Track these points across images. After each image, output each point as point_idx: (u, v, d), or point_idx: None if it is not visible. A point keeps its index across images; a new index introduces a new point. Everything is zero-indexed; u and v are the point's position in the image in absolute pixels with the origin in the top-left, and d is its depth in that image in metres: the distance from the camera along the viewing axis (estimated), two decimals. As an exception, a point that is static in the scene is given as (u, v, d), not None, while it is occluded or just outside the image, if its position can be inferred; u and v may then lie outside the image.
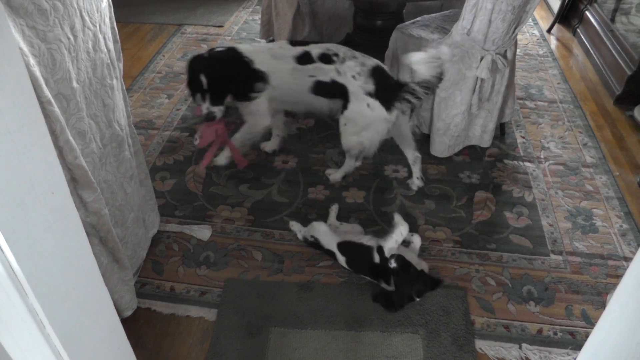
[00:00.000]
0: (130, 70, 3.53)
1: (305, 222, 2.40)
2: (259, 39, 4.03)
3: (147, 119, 3.09)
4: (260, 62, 2.45)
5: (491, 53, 2.46)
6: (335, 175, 2.67)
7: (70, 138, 1.45)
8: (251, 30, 4.20)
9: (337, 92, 2.43)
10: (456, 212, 2.51)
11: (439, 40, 2.56)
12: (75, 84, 1.51)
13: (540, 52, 3.94)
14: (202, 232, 2.36)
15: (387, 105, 2.35)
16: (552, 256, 2.31)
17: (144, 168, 2.16)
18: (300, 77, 2.45)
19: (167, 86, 3.43)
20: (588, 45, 3.89)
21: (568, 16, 4.35)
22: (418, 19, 2.86)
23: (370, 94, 2.35)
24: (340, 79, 2.40)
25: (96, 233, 1.72)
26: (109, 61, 1.73)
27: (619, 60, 3.39)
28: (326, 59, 2.43)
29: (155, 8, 4.60)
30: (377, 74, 2.38)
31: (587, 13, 4.03)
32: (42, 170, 0.99)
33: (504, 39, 2.46)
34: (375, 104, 2.35)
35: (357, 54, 2.45)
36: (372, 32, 3.12)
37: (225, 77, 2.43)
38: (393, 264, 1.95)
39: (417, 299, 2.02)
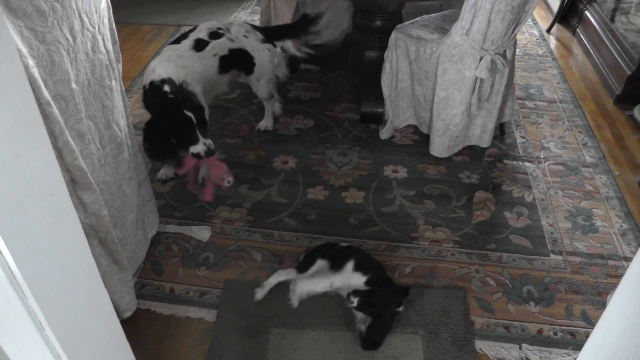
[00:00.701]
0: (129, 71, 3.53)
1: (305, 223, 2.41)
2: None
3: (146, 120, 3.07)
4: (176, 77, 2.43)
5: (490, 53, 2.46)
6: (266, 123, 3.01)
7: (70, 139, 1.45)
8: (250, 31, 4.19)
9: (239, 58, 2.72)
10: (456, 212, 2.51)
11: (438, 40, 2.56)
12: (74, 85, 1.51)
13: (540, 52, 3.94)
14: (202, 233, 2.36)
15: (273, 44, 2.83)
16: (552, 256, 2.30)
17: (143, 169, 2.16)
18: (207, 62, 2.61)
19: (166, 87, 3.42)
20: (587, 45, 3.89)
21: (567, 16, 4.35)
22: (417, 19, 2.86)
23: (263, 41, 2.76)
24: (236, 44, 2.69)
25: (96, 234, 1.72)
26: (107, 62, 1.73)
27: (619, 59, 3.39)
28: (216, 35, 2.66)
29: (154, 9, 4.60)
30: (255, 27, 2.81)
31: (587, 13, 4.03)
32: (41, 171, 0.99)
33: (503, 39, 2.46)
34: (270, 46, 2.79)
35: (228, 23, 2.77)
36: (371, 33, 3.12)
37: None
38: (354, 303, 1.91)
39: (400, 309, 1.99)
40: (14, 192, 0.94)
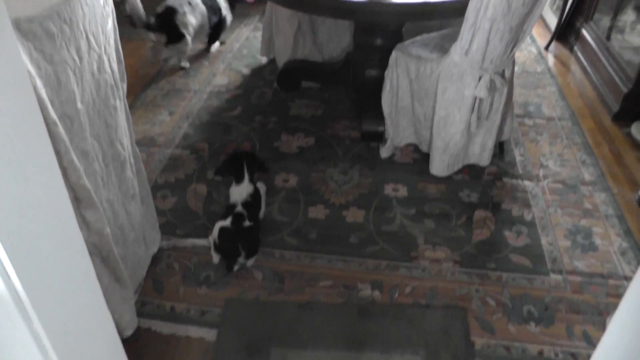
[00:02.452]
0: (132, 87, 3.55)
1: (305, 242, 2.42)
2: (260, 56, 4.05)
3: (148, 136, 3.10)
4: None
5: (489, 72, 2.48)
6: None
7: (74, 158, 1.47)
8: (252, 47, 4.23)
9: None
10: (456, 231, 2.52)
11: (438, 59, 2.59)
12: (79, 105, 1.53)
13: (538, 69, 3.97)
14: (206, 240, 2.39)
15: None
16: (552, 275, 2.31)
17: (145, 186, 2.18)
18: None
19: (169, 103, 3.45)
20: (585, 63, 3.92)
21: (565, 33, 4.39)
22: (417, 38, 2.88)
23: None
24: None
25: (98, 253, 1.73)
26: (112, 82, 1.75)
27: (615, 77, 3.42)
28: None
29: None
30: None
31: (584, 30, 4.07)
32: (49, 195, 1.00)
33: (502, 58, 2.48)
34: None
35: None
36: (372, 51, 3.14)
37: None
38: None
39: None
40: (24, 216, 0.95)
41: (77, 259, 1.16)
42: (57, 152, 1.38)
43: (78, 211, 1.57)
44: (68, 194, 1.18)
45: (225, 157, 2.67)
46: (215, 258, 2.31)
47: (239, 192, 2.45)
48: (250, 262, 2.30)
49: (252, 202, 2.43)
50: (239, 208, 2.36)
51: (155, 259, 2.32)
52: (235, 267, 2.26)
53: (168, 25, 3.68)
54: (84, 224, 1.61)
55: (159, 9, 3.68)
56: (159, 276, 2.26)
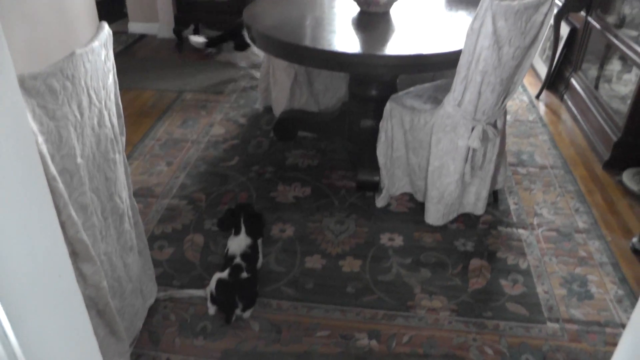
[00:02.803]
0: (130, 138, 3.59)
1: (302, 292, 2.42)
2: (257, 106, 4.12)
3: (146, 187, 3.13)
4: None
5: (482, 123, 2.53)
6: None
7: (73, 213, 1.48)
8: (249, 97, 4.30)
9: None
10: (452, 280, 2.52)
11: (432, 110, 2.64)
12: (79, 160, 1.55)
13: (530, 118, 4.04)
14: (203, 291, 2.38)
15: None
16: (549, 324, 2.31)
17: (143, 238, 2.19)
18: None
19: (166, 153, 3.49)
20: (575, 111, 4.00)
21: (555, 82, 4.48)
22: (411, 89, 2.94)
23: None
24: None
25: (94, 305, 1.73)
26: (112, 136, 1.78)
27: (605, 126, 3.48)
28: None
29: (156, 74, 4.72)
30: None
31: (573, 80, 4.16)
32: (51, 253, 1.02)
33: (494, 109, 2.54)
34: None
35: None
36: (367, 101, 3.21)
37: None
38: None
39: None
40: (25, 275, 0.96)
41: (74, 313, 1.16)
42: (56, 207, 1.40)
43: (75, 264, 1.58)
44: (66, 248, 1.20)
45: (225, 210, 2.70)
46: (212, 310, 2.30)
47: (238, 243, 2.47)
48: (247, 314, 2.30)
49: (251, 254, 2.45)
50: (238, 260, 2.37)
51: (152, 311, 2.31)
52: (233, 319, 2.26)
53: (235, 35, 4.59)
54: (81, 277, 1.62)
55: None
56: (155, 328, 2.25)
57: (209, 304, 2.30)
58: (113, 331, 1.84)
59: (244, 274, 2.31)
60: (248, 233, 2.51)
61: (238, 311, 2.26)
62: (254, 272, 2.41)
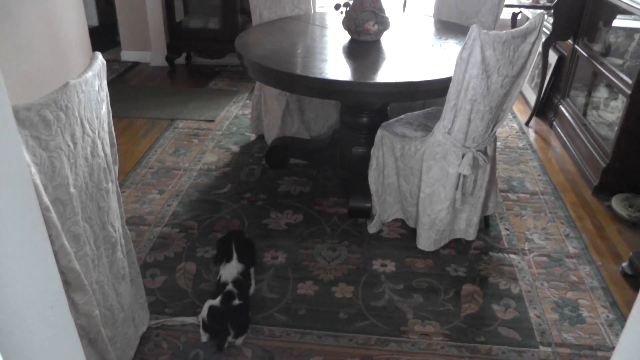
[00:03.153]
0: (123, 166, 3.60)
1: (295, 319, 2.42)
2: (249, 134, 4.15)
3: (138, 215, 3.13)
4: None
5: (472, 150, 2.56)
6: None
7: (65, 242, 1.49)
8: (241, 125, 4.32)
9: None
10: (444, 305, 2.53)
11: (422, 137, 2.67)
12: (72, 189, 1.56)
13: (520, 145, 4.08)
14: (195, 318, 2.38)
15: None
16: (541, 348, 2.32)
17: (135, 267, 2.19)
18: None
19: (158, 181, 3.50)
20: (564, 138, 4.05)
21: (544, 110, 4.54)
22: (402, 116, 2.98)
23: None
24: None
25: (86, 335, 1.73)
26: (105, 165, 1.79)
27: (593, 152, 3.53)
28: None
29: (148, 102, 4.75)
30: None
31: (561, 107, 4.22)
32: (44, 285, 1.02)
33: (484, 136, 2.57)
34: None
35: None
36: (358, 129, 3.24)
37: None
38: None
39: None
40: (18, 306, 0.97)
41: (67, 344, 1.16)
42: (49, 237, 1.40)
43: (67, 294, 1.58)
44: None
45: (217, 240, 2.73)
46: (204, 337, 2.30)
47: (229, 270, 2.47)
48: (239, 341, 2.29)
49: (243, 281, 2.45)
50: (230, 286, 2.37)
51: (144, 339, 2.30)
52: (225, 346, 2.26)
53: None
54: (73, 306, 1.62)
55: None
56: (148, 356, 2.24)
57: (202, 331, 2.30)
58: (105, 360, 1.84)
59: (236, 301, 2.31)
60: (240, 260, 2.52)
61: (230, 338, 2.25)
62: (246, 298, 2.41)
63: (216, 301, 2.30)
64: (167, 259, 2.79)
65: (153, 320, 2.37)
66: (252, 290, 2.54)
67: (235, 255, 2.52)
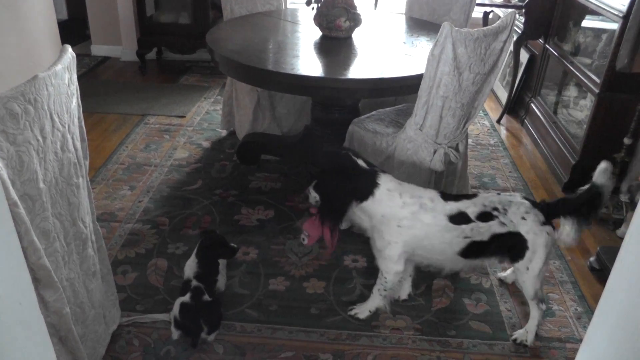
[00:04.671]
0: (93, 162, 3.55)
1: (266, 314, 2.42)
2: (220, 129, 4.12)
3: (109, 211, 3.10)
4: None
5: (444, 147, 2.58)
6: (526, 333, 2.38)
7: (35, 238, 1.46)
8: (213, 121, 4.30)
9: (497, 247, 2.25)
10: (416, 300, 2.55)
11: (394, 134, 2.68)
12: (41, 185, 1.54)
13: (492, 142, 4.13)
14: (166, 315, 2.37)
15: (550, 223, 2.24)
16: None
17: (106, 263, 2.16)
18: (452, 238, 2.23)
19: (129, 177, 3.46)
20: (535, 135, 4.11)
21: (516, 107, 4.60)
22: (373, 113, 2.99)
23: (544, 223, 2.21)
24: (505, 229, 2.21)
25: (56, 333, 1.70)
26: (75, 160, 1.77)
27: (563, 149, 3.58)
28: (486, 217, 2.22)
29: (119, 98, 4.69)
30: (534, 203, 2.27)
31: (533, 105, 4.28)
32: (11, 281, 1.00)
33: (455, 133, 2.59)
34: (550, 229, 2.22)
35: (506, 196, 2.29)
36: (329, 125, 3.24)
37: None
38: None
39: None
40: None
41: (36, 341, 1.14)
42: (18, 233, 1.38)
43: (37, 291, 1.56)
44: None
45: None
46: (175, 334, 2.28)
47: (190, 266, 2.45)
48: (212, 337, 2.28)
49: (203, 273, 2.41)
50: (194, 282, 2.35)
51: (115, 336, 2.28)
52: (198, 342, 2.25)
53: None
54: (42, 304, 1.59)
55: None
56: (119, 354, 2.22)
57: (173, 328, 2.28)
58: (76, 358, 1.81)
59: (206, 297, 2.30)
60: (196, 254, 2.47)
61: (203, 334, 2.24)
62: (218, 294, 2.40)
63: (186, 297, 2.28)
64: (138, 256, 2.76)
65: (124, 318, 2.35)
66: (223, 286, 2.53)
67: (195, 251, 2.49)
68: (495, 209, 2.21)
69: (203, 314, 2.24)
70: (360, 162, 2.27)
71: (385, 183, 2.24)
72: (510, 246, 2.23)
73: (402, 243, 2.24)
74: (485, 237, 2.20)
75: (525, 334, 2.34)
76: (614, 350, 1.14)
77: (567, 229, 2.20)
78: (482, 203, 2.23)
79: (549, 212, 2.24)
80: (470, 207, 2.22)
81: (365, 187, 2.23)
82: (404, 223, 2.21)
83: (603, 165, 2.18)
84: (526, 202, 2.25)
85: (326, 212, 2.30)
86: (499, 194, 2.30)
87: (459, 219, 2.20)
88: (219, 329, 2.32)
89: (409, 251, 2.27)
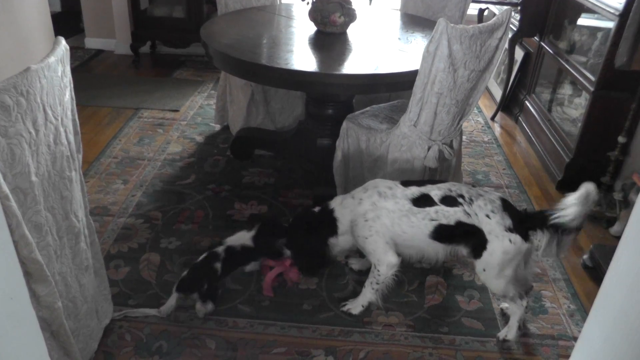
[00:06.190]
0: (86, 155, 3.53)
1: (258, 310, 2.41)
2: (213, 124, 4.11)
3: (102, 205, 3.08)
4: None
5: (438, 143, 2.58)
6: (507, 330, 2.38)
7: (26, 232, 1.45)
8: (206, 115, 4.28)
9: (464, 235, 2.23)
10: (408, 296, 2.55)
11: (388, 130, 2.68)
12: (34, 178, 1.52)
13: (486, 139, 4.13)
14: (158, 310, 2.37)
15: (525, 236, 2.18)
16: (504, 338, 2.36)
17: (99, 258, 2.15)
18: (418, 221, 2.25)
19: (122, 171, 3.44)
20: (529, 133, 4.11)
21: (510, 105, 4.61)
22: (367, 108, 2.99)
23: (510, 229, 2.16)
24: (470, 221, 2.19)
25: (48, 327, 1.69)
26: (68, 153, 1.75)
27: (557, 147, 3.59)
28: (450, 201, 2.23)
29: (113, 92, 4.67)
30: (507, 206, 2.23)
31: (527, 103, 4.28)
32: (2, 276, 0.99)
33: (450, 130, 2.59)
34: (517, 237, 2.16)
35: (480, 190, 2.29)
36: (323, 120, 3.24)
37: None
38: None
39: None
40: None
41: (28, 336, 1.13)
42: (9, 226, 1.37)
43: (28, 285, 1.55)
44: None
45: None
46: (172, 300, 2.35)
47: (239, 237, 2.55)
48: (209, 307, 2.37)
49: (239, 253, 2.49)
50: (221, 248, 2.45)
51: (107, 331, 2.27)
52: (202, 313, 2.36)
53: None
54: (34, 298, 1.58)
55: None
56: (111, 348, 2.21)
57: (174, 292, 2.36)
58: (67, 353, 1.80)
59: (218, 264, 2.38)
60: (254, 238, 2.53)
61: (199, 305, 2.34)
62: (225, 271, 2.45)
63: (199, 259, 2.41)
64: (131, 250, 2.75)
65: (116, 312, 2.34)
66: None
67: (253, 232, 2.55)
68: (461, 196, 2.22)
69: (206, 275, 2.37)
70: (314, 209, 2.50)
71: (335, 201, 2.43)
72: (473, 241, 2.21)
73: (377, 234, 2.28)
74: (451, 221, 2.20)
75: (507, 329, 2.34)
76: (609, 348, 1.14)
77: (545, 242, 2.17)
78: (447, 188, 2.26)
79: (522, 221, 2.19)
80: (434, 191, 2.25)
81: (326, 219, 2.41)
82: (369, 215, 2.28)
83: (583, 190, 2.12)
84: (498, 202, 2.22)
85: (304, 262, 2.52)
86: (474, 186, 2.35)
87: (422, 201, 2.24)
88: (213, 305, 2.39)
89: (389, 242, 2.30)
